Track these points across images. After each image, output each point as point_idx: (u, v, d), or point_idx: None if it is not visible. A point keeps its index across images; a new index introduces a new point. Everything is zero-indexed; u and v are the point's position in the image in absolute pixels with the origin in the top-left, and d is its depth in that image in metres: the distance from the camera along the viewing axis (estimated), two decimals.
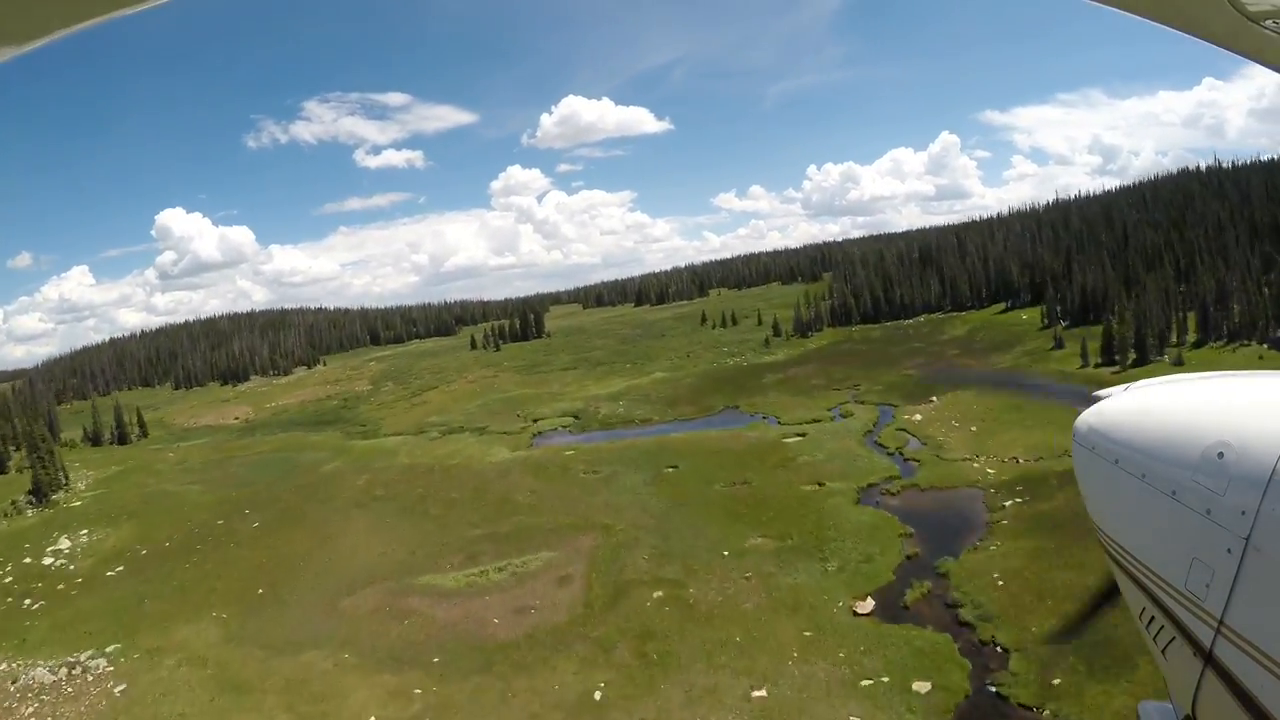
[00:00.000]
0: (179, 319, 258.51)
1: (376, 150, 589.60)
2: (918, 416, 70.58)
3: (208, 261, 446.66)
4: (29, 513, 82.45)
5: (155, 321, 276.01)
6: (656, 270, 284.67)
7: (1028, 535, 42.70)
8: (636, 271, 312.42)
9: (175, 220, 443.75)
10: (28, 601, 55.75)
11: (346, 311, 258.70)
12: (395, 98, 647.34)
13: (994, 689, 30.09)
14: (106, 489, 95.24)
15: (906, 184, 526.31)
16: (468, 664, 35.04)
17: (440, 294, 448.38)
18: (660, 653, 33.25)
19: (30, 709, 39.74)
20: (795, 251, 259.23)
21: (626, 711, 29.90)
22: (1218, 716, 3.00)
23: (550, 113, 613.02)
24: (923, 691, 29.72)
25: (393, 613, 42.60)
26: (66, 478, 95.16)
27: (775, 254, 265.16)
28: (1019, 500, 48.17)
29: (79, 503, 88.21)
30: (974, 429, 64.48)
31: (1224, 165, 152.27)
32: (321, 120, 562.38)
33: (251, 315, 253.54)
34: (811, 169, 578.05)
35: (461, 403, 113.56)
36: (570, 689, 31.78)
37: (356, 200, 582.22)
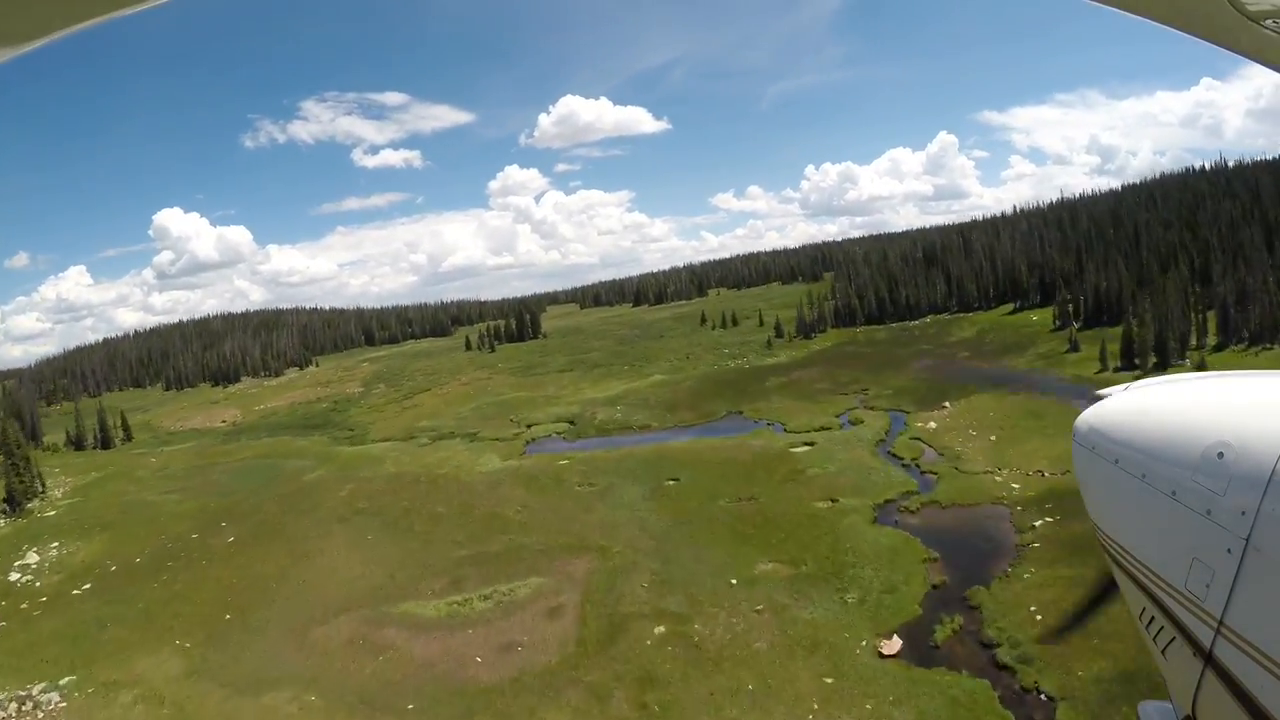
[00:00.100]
0: (176, 319, 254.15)
1: (374, 150, 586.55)
2: (932, 424, 66.80)
3: (205, 261, 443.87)
4: (0, 522, 78.59)
5: (153, 322, 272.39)
6: (654, 270, 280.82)
7: (1063, 561, 38.84)
8: (634, 271, 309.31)
9: (173, 220, 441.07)
10: None
11: (342, 311, 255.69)
12: (393, 97, 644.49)
13: None
14: (83, 497, 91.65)
15: (905, 184, 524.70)
16: (446, 712, 31.15)
17: (438, 294, 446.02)
18: (662, 703, 29.36)
19: None
20: (795, 251, 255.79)
21: None
22: (1218, 717, 2.94)
23: (548, 112, 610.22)
24: None
25: (367, 646, 38.69)
26: (43, 485, 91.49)
27: (775, 254, 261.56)
28: (1049, 519, 44.41)
29: (53, 512, 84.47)
30: (993, 438, 60.74)
31: (1229, 164, 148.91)
32: (319, 120, 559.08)
33: (245, 315, 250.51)
34: (810, 169, 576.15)
35: (454, 406, 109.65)
36: None
37: (354, 200, 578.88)
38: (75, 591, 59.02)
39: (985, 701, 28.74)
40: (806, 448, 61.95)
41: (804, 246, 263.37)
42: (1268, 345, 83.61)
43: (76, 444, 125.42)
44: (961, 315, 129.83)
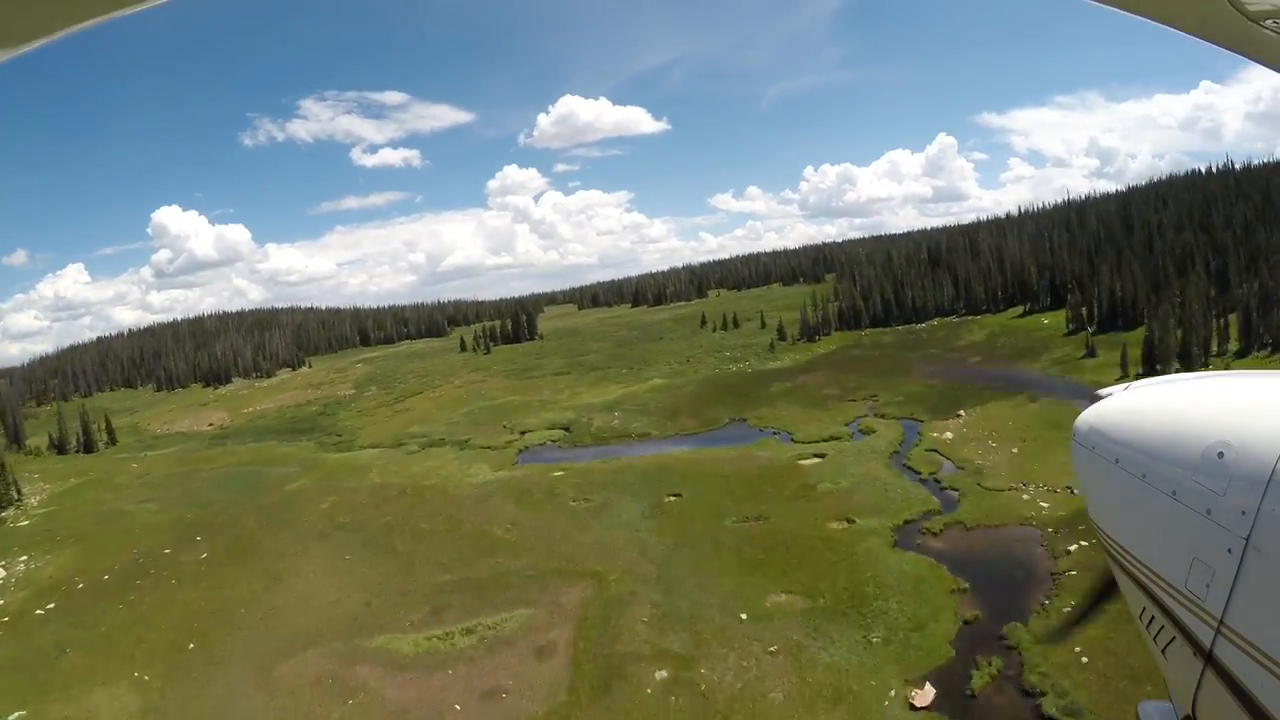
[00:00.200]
0: (175, 318, 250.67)
1: (373, 149, 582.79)
2: (948, 434, 63.02)
3: (204, 260, 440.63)
4: None
5: (150, 320, 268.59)
6: (653, 271, 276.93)
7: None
8: (633, 272, 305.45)
9: (171, 218, 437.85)
10: None
11: (338, 311, 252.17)
12: (392, 96, 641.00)
13: None
14: (59, 505, 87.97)
15: (904, 186, 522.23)
16: None
17: (437, 294, 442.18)
18: None
19: None
20: (796, 252, 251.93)
21: None
22: (1218, 716, 2.94)
23: (547, 112, 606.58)
24: None
25: (336, 687, 34.80)
26: (19, 492, 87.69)
27: (775, 254, 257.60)
28: (1084, 543, 40.52)
29: (27, 522, 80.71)
30: (1015, 450, 57.01)
31: (1236, 166, 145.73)
32: (318, 119, 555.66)
33: (240, 314, 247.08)
34: (809, 170, 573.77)
35: (446, 410, 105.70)
36: None
37: (353, 199, 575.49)
38: (39, 611, 55.44)
39: None
40: (816, 460, 58.10)
41: (804, 247, 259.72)
42: None
43: (59, 448, 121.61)
44: (970, 318, 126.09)
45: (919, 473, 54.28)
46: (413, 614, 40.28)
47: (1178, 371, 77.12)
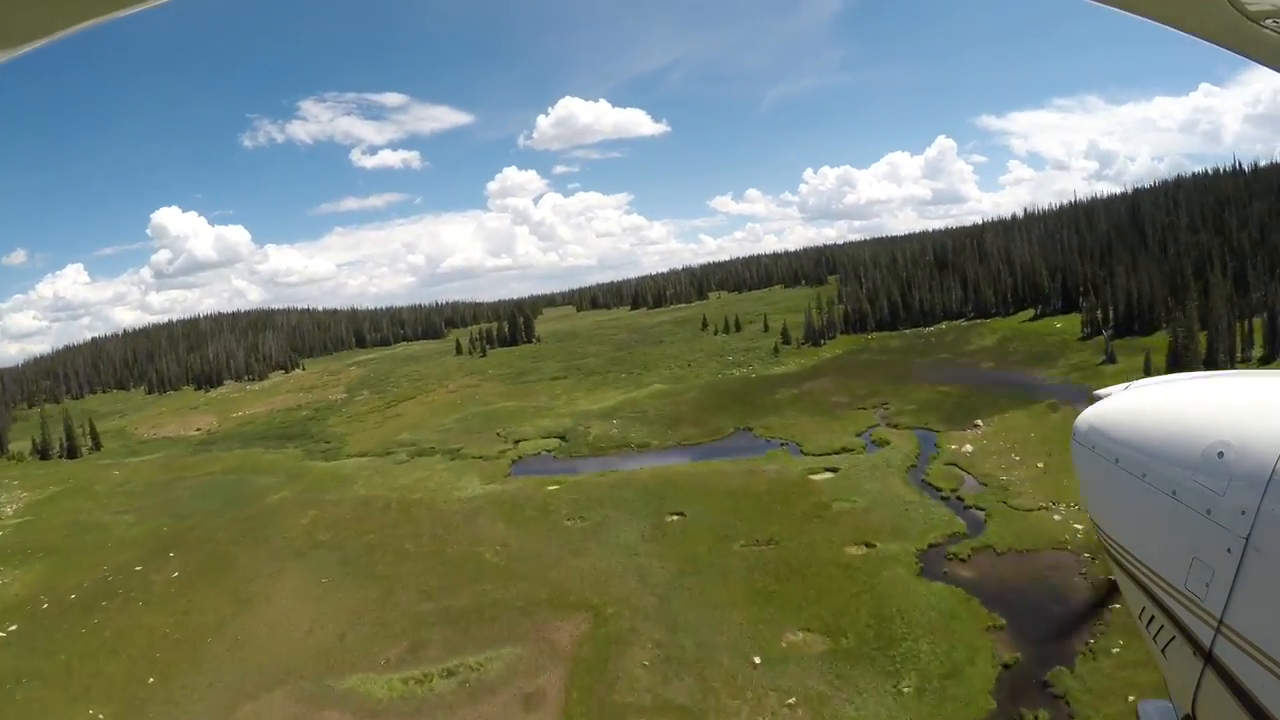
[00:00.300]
0: (174, 318, 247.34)
1: (373, 150, 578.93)
2: (968, 447, 59.30)
3: (203, 261, 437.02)
4: None
5: (150, 321, 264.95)
6: (653, 272, 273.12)
7: None
8: (632, 274, 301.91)
9: (171, 219, 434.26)
10: None
11: (334, 312, 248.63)
12: (392, 98, 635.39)
13: None
14: (35, 515, 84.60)
15: (903, 188, 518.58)
16: None
17: (436, 295, 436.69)
18: None
19: None
20: (797, 254, 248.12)
21: None
22: (1217, 716, 2.93)
23: (547, 114, 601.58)
24: None
25: None
26: None
27: (777, 256, 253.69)
28: None
29: (0, 532, 77.22)
30: (1040, 465, 53.34)
31: (1244, 166, 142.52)
32: (318, 120, 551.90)
33: (235, 316, 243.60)
34: (808, 172, 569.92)
35: (438, 416, 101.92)
36: None
37: (353, 200, 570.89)
38: (1, 634, 52.04)
39: None
40: (829, 474, 54.32)
41: (806, 249, 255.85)
42: None
43: (42, 453, 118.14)
44: (979, 321, 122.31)
45: (940, 489, 50.53)
46: (390, 649, 36.44)
47: None
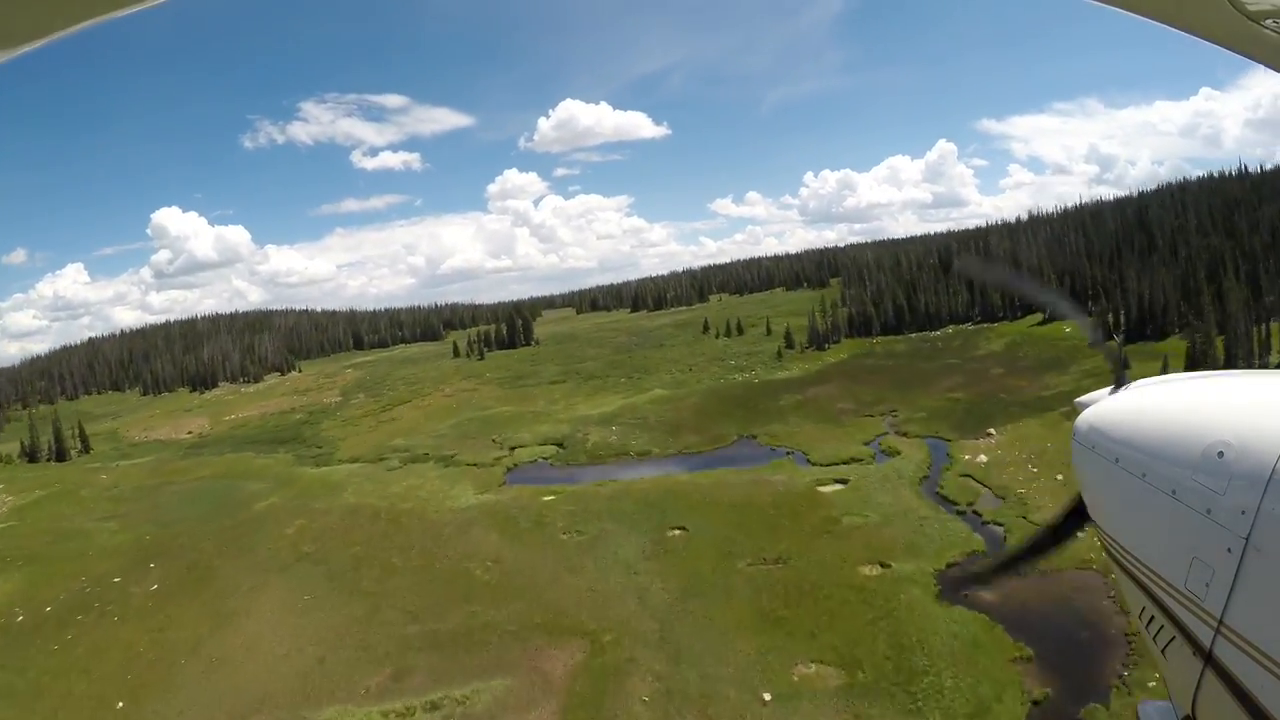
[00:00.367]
0: (173, 318, 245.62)
1: (373, 152, 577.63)
2: (981, 457, 56.86)
3: (203, 261, 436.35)
4: None
5: (150, 321, 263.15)
6: (653, 275, 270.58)
7: None
8: (632, 276, 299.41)
9: (171, 219, 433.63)
10: None
11: (333, 314, 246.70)
12: (393, 99, 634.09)
13: None
14: (19, 520, 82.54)
15: (904, 191, 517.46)
16: None
17: (436, 296, 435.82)
18: None
19: None
20: (799, 256, 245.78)
21: None
22: (1217, 716, 2.94)
23: (548, 116, 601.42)
24: None
25: None
26: None
27: (778, 259, 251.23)
28: None
29: None
30: (1059, 478, 50.79)
31: (1249, 169, 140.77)
32: (319, 121, 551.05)
33: (232, 316, 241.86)
34: (809, 176, 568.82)
35: (433, 421, 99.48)
36: None
37: (353, 202, 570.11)
38: None
39: None
40: (838, 486, 51.84)
41: (807, 251, 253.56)
42: None
43: (31, 456, 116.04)
44: (986, 325, 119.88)
45: (955, 503, 48.05)
46: (371, 677, 33.96)
47: None
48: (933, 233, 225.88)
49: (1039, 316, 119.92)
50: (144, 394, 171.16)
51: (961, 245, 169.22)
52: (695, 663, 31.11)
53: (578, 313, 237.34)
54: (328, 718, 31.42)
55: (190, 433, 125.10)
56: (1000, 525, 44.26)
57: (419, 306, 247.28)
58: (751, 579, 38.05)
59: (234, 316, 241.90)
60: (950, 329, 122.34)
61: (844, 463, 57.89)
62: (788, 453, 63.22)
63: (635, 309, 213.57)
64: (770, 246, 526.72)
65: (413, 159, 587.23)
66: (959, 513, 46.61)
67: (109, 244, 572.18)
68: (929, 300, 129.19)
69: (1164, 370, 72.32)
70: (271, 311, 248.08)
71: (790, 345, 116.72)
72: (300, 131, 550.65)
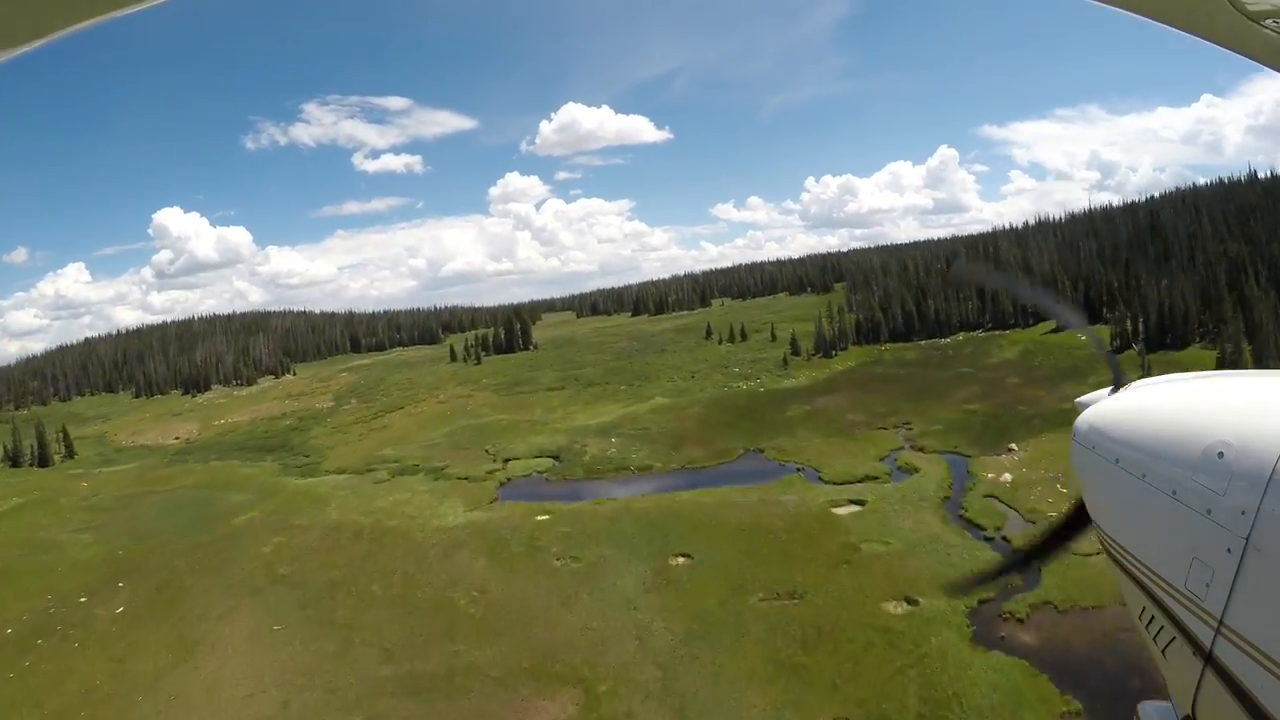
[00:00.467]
0: (173, 319, 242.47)
1: (375, 154, 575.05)
2: (1006, 476, 53.19)
3: (205, 261, 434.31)
4: None
5: (150, 321, 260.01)
6: (654, 278, 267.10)
7: None
8: (633, 280, 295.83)
9: (172, 219, 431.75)
10: None
11: (331, 316, 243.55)
12: (395, 101, 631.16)
13: None
14: None
15: (905, 197, 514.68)
16: None
17: (437, 299, 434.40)
18: None
19: None
20: (802, 260, 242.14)
21: None
22: (1218, 717, 2.93)
23: (550, 120, 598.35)
24: None
25: None
26: None
27: (781, 263, 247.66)
28: None
29: None
30: None
31: (1259, 175, 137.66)
32: (321, 123, 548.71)
33: (229, 318, 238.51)
34: (810, 181, 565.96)
35: (426, 429, 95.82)
36: None
37: (355, 204, 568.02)
38: None
39: None
40: (854, 508, 48.10)
41: (811, 256, 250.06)
42: None
43: (13, 460, 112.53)
44: (998, 333, 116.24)
45: (982, 528, 44.34)
46: None
47: None
48: (934, 239, 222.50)
49: (1052, 323, 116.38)
50: (136, 396, 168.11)
51: (970, 250, 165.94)
52: (703, 718, 27.36)
53: (578, 316, 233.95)
54: None
55: (178, 438, 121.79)
56: None
57: (418, 309, 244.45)
58: (764, 617, 34.25)
59: (231, 318, 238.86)
60: (961, 336, 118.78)
61: (858, 481, 54.19)
62: (798, 469, 59.47)
63: (636, 313, 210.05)
64: (771, 251, 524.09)
65: (414, 161, 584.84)
66: (987, 539, 42.90)
67: (110, 244, 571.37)
68: (939, 306, 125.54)
69: None
70: (268, 313, 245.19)
71: (796, 352, 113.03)
72: (302, 133, 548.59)
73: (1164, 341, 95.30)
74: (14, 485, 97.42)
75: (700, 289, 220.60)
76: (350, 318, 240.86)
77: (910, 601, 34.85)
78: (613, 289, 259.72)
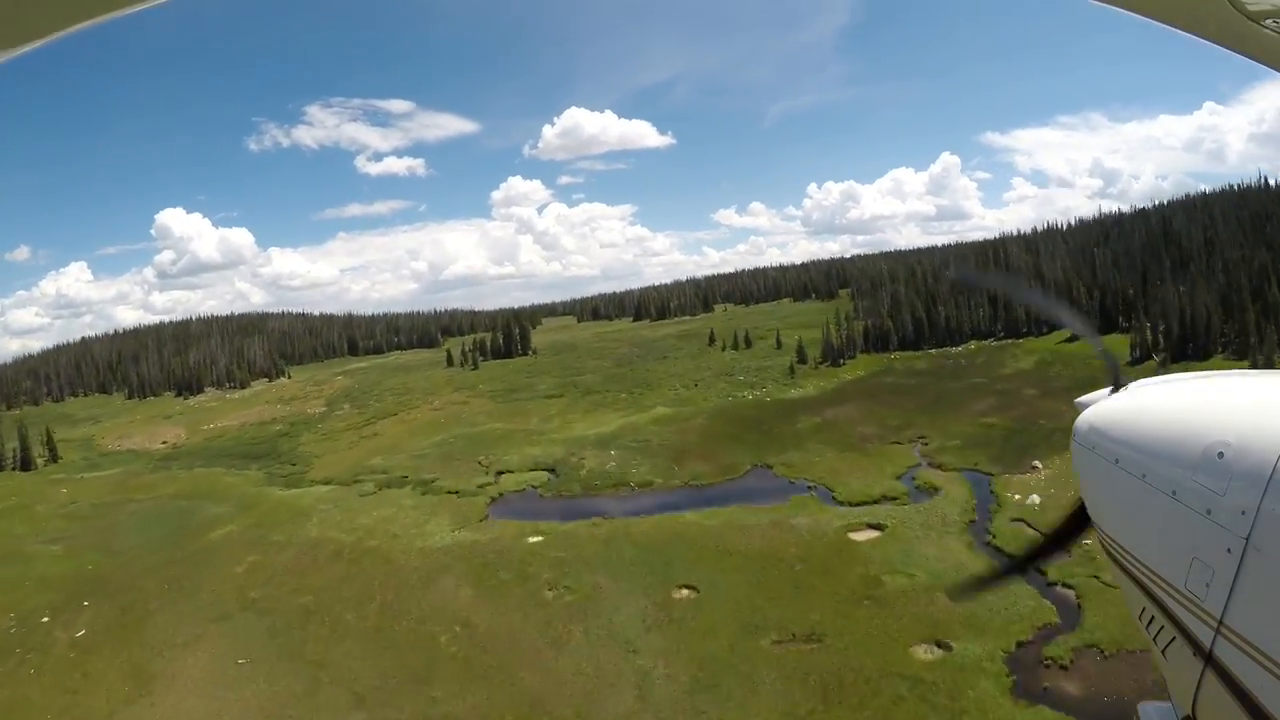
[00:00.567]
0: (173, 319, 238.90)
1: (378, 157, 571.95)
2: (1033, 497, 49.50)
3: (206, 262, 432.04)
4: None
5: (151, 321, 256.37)
6: (656, 283, 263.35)
7: None
8: (635, 284, 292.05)
9: (175, 220, 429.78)
10: None
11: (330, 318, 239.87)
12: (398, 104, 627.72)
13: None
14: None
15: (907, 204, 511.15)
16: None
17: (439, 302, 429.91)
18: None
19: None
20: (805, 266, 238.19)
21: None
22: (1218, 717, 2.91)
23: (552, 124, 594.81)
24: None
25: None
26: None
27: (784, 269, 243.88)
28: None
29: None
30: None
31: (1272, 183, 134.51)
32: (323, 125, 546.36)
33: (226, 319, 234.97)
34: (812, 187, 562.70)
35: (417, 437, 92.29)
36: None
37: (357, 206, 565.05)
38: None
39: None
40: (873, 533, 44.38)
41: (815, 261, 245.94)
42: None
43: None
44: (1011, 341, 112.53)
45: (1013, 558, 40.62)
46: None
47: None
48: (937, 245, 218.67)
49: (1067, 332, 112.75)
50: (129, 398, 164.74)
51: (980, 257, 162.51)
52: None
53: (578, 321, 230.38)
54: None
55: (165, 443, 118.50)
56: (1070, 587, 36.83)
57: (418, 312, 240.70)
58: (779, 663, 30.51)
59: (228, 319, 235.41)
60: (973, 344, 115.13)
61: (875, 501, 50.49)
62: (809, 487, 55.72)
63: (638, 318, 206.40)
64: (773, 257, 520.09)
65: (417, 164, 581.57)
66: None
67: (112, 243, 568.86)
68: (949, 314, 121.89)
69: None
70: (266, 314, 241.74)
71: (803, 360, 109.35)
72: (305, 135, 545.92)
73: (1185, 351, 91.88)
74: None
75: (703, 294, 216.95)
76: (349, 320, 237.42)
77: (942, 646, 31.15)
78: (614, 294, 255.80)
